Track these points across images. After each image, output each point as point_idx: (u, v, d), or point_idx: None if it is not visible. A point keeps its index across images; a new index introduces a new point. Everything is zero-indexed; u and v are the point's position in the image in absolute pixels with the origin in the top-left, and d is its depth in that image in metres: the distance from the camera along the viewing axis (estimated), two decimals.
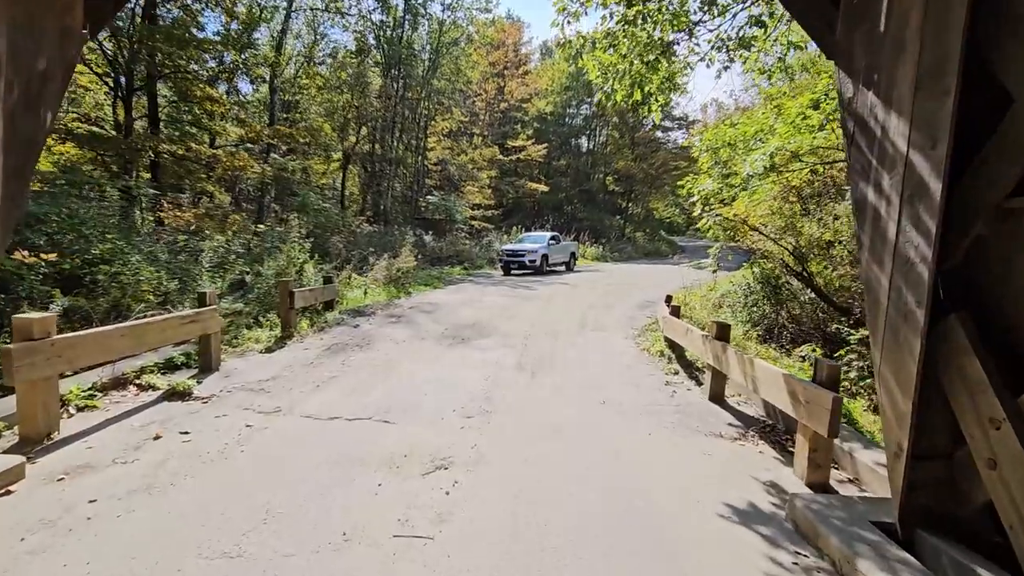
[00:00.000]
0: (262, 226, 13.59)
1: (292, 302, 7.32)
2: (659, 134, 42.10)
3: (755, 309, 10.95)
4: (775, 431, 4.45)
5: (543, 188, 33.80)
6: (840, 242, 11.94)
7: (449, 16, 26.66)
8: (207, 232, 10.51)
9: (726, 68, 7.31)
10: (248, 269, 9.10)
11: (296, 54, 24.57)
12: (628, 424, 4.53)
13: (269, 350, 6.66)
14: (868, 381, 5.82)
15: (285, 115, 23.86)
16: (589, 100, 40.29)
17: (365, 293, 10.86)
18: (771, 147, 9.25)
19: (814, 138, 8.76)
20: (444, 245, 22.76)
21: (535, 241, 20.08)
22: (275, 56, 19.71)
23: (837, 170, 13.15)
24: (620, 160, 39.45)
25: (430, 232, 23.62)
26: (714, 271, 12.18)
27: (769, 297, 11.09)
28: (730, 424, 4.60)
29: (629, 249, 33.32)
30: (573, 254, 21.85)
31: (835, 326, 10.67)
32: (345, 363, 6.19)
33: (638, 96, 6.46)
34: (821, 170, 12.12)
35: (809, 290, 11.12)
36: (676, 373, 6.23)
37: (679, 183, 12.12)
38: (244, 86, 28.42)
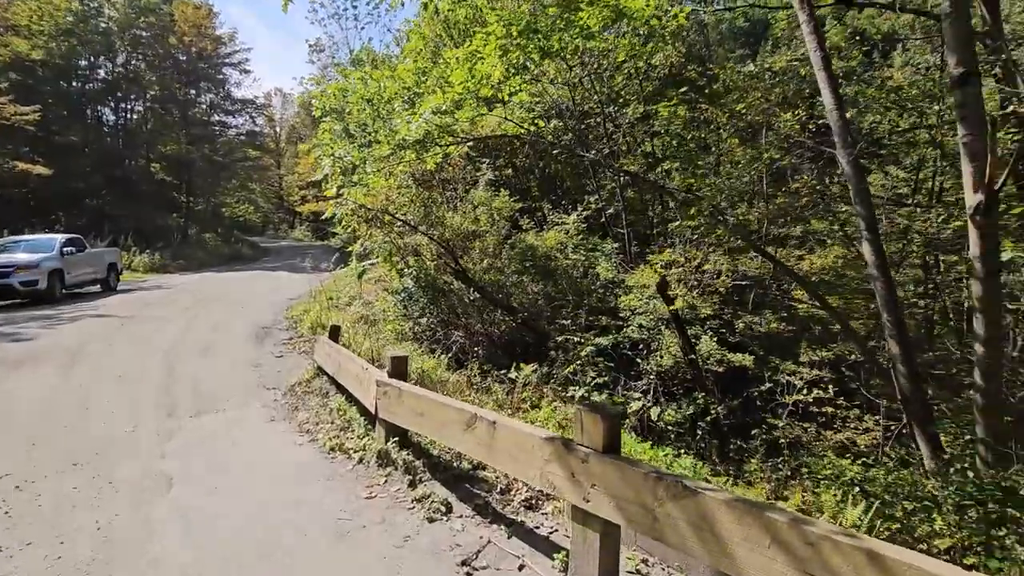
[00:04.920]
0: None
1: None
2: (221, 117, 34.97)
3: (423, 321, 8.55)
4: None
5: (42, 171, 22.31)
6: (483, 234, 10.90)
7: None
8: None
9: None
10: None
11: None
12: None
13: None
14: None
15: None
16: (109, 55, 29.44)
17: None
18: (432, 106, 6.95)
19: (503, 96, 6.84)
20: None
21: (35, 248, 11.96)
22: None
23: (465, 151, 12.16)
24: (170, 143, 30.66)
25: None
26: (360, 275, 9.11)
27: (434, 304, 8.90)
28: None
29: (200, 255, 26.13)
30: (113, 266, 14.37)
31: (499, 329, 9.44)
32: None
33: None
34: (454, 151, 10.77)
35: (472, 290, 9.54)
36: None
37: (307, 147, 8.81)
38: None
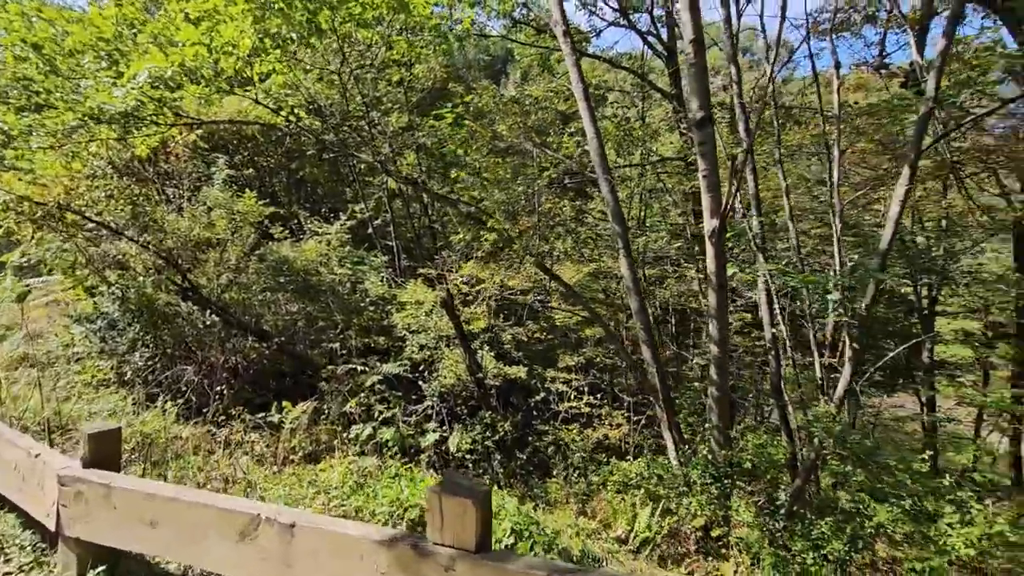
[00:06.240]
0: None
1: None
2: None
3: (136, 358, 6.45)
4: None
5: None
6: (222, 243, 8.98)
7: None
8: None
9: None
10: None
11: None
12: None
13: None
14: None
15: None
16: None
17: None
18: (150, 68, 5.54)
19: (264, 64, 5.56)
20: None
21: None
22: None
23: (194, 139, 9.92)
24: None
25: None
26: (21, 296, 6.39)
27: (152, 333, 6.84)
28: None
29: None
30: None
31: (248, 359, 7.80)
32: None
33: None
34: (179, 134, 8.88)
35: (208, 312, 7.67)
36: None
37: None
38: None
